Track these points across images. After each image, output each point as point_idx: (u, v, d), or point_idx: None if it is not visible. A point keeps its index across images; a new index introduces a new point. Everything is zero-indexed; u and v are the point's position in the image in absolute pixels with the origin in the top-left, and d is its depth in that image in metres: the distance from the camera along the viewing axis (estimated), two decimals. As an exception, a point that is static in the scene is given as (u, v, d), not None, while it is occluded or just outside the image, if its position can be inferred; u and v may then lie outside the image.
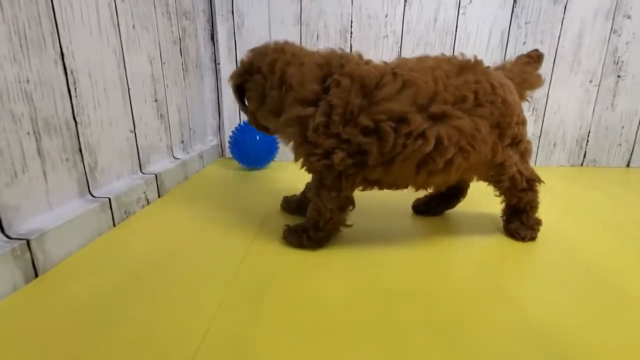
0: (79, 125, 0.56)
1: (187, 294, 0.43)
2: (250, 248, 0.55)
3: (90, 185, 0.59)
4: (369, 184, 0.55)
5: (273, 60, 0.53)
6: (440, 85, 0.49)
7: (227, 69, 1.07)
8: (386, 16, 1.02)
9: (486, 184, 0.60)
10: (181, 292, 0.43)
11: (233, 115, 1.12)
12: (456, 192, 0.68)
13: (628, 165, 1.13)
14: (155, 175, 0.76)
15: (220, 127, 1.15)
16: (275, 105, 0.53)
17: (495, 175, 0.57)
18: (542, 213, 0.62)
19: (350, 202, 0.54)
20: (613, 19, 1.01)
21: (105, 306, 0.40)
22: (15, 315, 0.38)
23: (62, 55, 0.52)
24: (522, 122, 0.57)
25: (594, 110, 1.09)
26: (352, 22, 1.02)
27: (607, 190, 0.90)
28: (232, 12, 1.02)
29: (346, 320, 0.39)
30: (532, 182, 0.59)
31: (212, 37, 1.07)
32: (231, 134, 1.01)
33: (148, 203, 0.72)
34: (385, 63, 0.53)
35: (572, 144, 1.12)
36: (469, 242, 0.60)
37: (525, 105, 1.07)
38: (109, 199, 0.60)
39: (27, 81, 0.47)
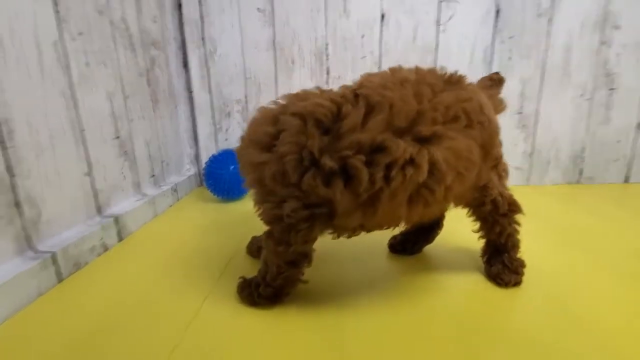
0: (16, 178, 0.52)
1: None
2: (201, 308, 0.50)
3: (33, 240, 0.55)
4: (350, 230, 0.48)
5: None
6: (426, 102, 0.42)
7: (201, 96, 1.04)
8: (362, 37, 0.98)
9: (464, 211, 0.55)
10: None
11: (209, 143, 1.08)
12: (433, 225, 0.63)
13: (627, 180, 1.06)
14: (116, 217, 0.71)
15: (197, 156, 1.11)
16: None
17: (479, 198, 0.52)
18: (531, 243, 0.58)
19: (304, 257, 0.47)
20: (601, 30, 0.96)
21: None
22: None
23: (-7, 105, 0.49)
24: (500, 144, 0.53)
25: (587, 126, 1.03)
26: (327, 44, 0.99)
27: (605, 213, 0.84)
28: (203, 39, 0.99)
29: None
30: (513, 206, 0.54)
31: (185, 65, 1.03)
32: (204, 165, 0.97)
33: (105, 250, 0.68)
34: (345, 86, 0.46)
35: (567, 162, 1.06)
36: (448, 286, 0.54)
37: (514, 122, 1.03)
38: (53, 253, 0.55)
39: (-55, 139, 0.43)
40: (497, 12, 0.96)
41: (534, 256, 0.58)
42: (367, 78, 0.47)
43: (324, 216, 0.43)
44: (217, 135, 1.08)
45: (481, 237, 0.57)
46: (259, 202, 0.47)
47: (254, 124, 0.47)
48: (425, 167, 0.40)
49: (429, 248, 0.65)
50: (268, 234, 0.47)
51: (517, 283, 0.53)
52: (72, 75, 0.63)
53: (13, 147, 0.52)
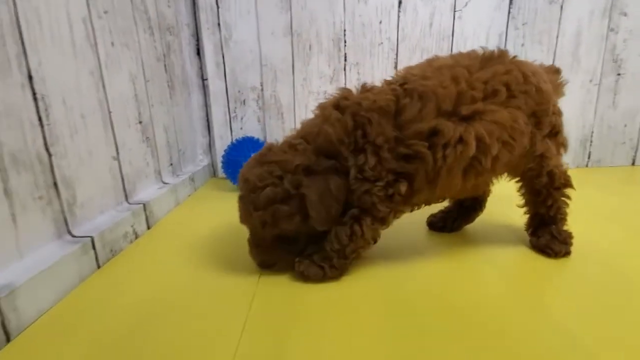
0: (53, 158, 0.49)
1: (192, 353, 0.36)
2: (257, 287, 0.49)
3: (69, 223, 0.52)
4: (417, 205, 0.53)
5: None
6: (463, 83, 0.47)
7: (216, 84, 1.02)
8: (380, 23, 0.98)
9: (504, 194, 0.56)
10: (184, 352, 0.36)
11: (224, 132, 1.06)
12: (474, 205, 0.63)
13: (633, 163, 1.10)
14: (144, 204, 0.68)
15: (211, 146, 1.08)
16: None
17: (535, 169, 0.53)
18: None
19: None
20: (609, 17, 0.99)
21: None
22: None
23: (31, 78, 0.46)
24: (559, 113, 0.54)
25: (595, 110, 1.06)
26: (345, 30, 0.98)
27: (620, 191, 0.86)
28: (219, 24, 0.97)
29: (382, 343, 0.33)
30: (567, 181, 0.55)
31: (198, 52, 1.01)
32: (223, 152, 0.95)
33: (137, 237, 0.65)
34: (388, 82, 0.50)
35: (576, 145, 1.09)
36: (492, 257, 0.55)
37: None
38: (92, 237, 0.53)
39: (-12, 111, 0.40)
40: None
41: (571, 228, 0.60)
42: (408, 71, 0.51)
43: (411, 194, 0.48)
44: (232, 123, 1.05)
45: (527, 212, 0.57)
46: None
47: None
48: (473, 143, 0.45)
49: (469, 227, 0.66)
50: (366, 214, 0.48)
51: (567, 253, 0.54)
52: (99, 55, 0.60)
53: (49, 124, 0.49)
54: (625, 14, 0.99)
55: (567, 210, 0.56)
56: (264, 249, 0.51)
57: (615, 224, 0.67)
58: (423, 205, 0.53)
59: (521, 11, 0.99)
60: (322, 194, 0.46)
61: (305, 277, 0.49)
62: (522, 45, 1.01)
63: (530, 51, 1.01)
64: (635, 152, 1.09)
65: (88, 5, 0.58)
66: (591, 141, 1.09)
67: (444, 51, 1.00)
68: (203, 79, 1.02)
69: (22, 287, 0.40)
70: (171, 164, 0.89)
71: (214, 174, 1.11)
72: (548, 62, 1.01)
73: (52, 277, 0.45)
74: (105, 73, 0.62)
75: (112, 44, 0.64)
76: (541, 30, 1.00)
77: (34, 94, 0.46)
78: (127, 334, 0.39)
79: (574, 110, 1.06)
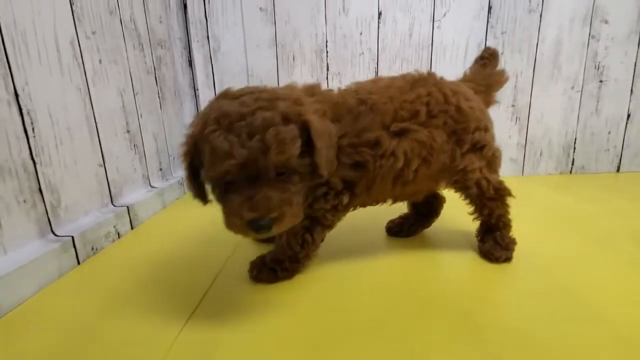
0: (38, 166, 0.56)
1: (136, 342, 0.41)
2: (211, 287, 0.53)
3: (52, 224, 0.59)
4: (353, 208, 0.56)
5: None
6: (396, 103, 0.51)
7: (206, 93, 1.08)
8: (361, 34, 1.02)
9: (460, 198, 0.59)
10: (132, 339, 0.42)
11: (214, 139, 1.12)
12: (430, 212, 0.67)
13: (618, 170, 1.10)
14: (127, 207, 0.75)
15: (202, 152, 1.14)
16: None
17: (460, 181, 0.56)
18: (523, 227, 0.61)
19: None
20: (590, 25, 1.00)
21: (59, 355, 0.39)
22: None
23: (17, 96, 0.52)
24: (484, 129, 0.55)
25: (578, 117, 1.07)
26: (327, 41, 1.03)
27: (596, 198, 0.87)
28: (208, 37, 1.03)
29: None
30: (500, 191, 0.57)
31: (190, 64, 1.07)
32: (210, 159, 1.01)
33: (119, 237, 0.71)
34: (340, 89, 0.54)
35: (559, 152, 1.09)
36: (440, 261, 0.58)
37: (507, 115, 1.06)
38: (72, 237, 0.59)
39: (-24, 127, 0.46)
40: (490, 8, 1.00)
41: (527, 234, 0.62)
42: (358, 85, 0.55)
43: (353, 198, 0.52)
44: (221, 130, 1.11)
45: (475, 218, 0.60)
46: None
47: None
48: (401, 156, 0.50)
49: (425, 231, 0.69)
50: (315, 223, 0.52)
51: (508, 259, 0.56)
52: (86, 72, 0.67)
53: (34, 137, 0.55)
54: (606, 22, 0.99)
55: (510, 217, 0.58)
56: (265, 188, 0.39)
57: (577, 232, 0.68)
58: (358, 207, 0.56)
59: (500, 20, 1.00)
60: (326, 130, 0.43)
61: (258, 280, 0.53)
62: (502, 53, 1.02)
63: (510, 59, 1.03)
64: (620, 159, 1.09)
65: (75, 27, 0.64)
66: (574, 148, 1.09)
67: (423, 60, 1.03)
68: (195, 88, 1.09)
69: (1, 279, 0.46)
70: (160, 169, 0.95)
71: (205, 178, 1.17)
72: (528, 70, 1.03)
73: (32, 271, 0.51)
74: (93, 89, 0.68)
75: (100, 61, 0.71)
76: (521, 39, 1.01)
77: (20, 109, 0.53)
78: (96, 321, 0.45)
79: (555, 117, 1.07)
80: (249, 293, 0.51)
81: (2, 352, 0.40)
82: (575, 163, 1.10)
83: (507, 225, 0.58)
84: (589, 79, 1.03)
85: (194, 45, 1.04)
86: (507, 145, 1.08)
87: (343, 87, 0.55)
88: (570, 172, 1.11)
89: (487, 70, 0.61)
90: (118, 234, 0.71)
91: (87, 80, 0.67)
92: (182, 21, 1.04)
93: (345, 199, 0.50)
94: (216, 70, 1.06)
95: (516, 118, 1.07)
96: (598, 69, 1.03)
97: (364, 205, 0.56)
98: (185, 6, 1.01)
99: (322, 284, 0.53)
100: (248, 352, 0.39)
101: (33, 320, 0.46)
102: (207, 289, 0.52)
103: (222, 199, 0.43)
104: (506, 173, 1.10)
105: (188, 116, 1.11)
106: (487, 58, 0.62)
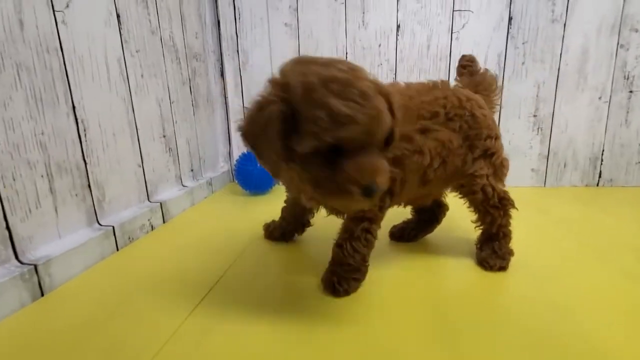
0: (88, 165, 0.66)
1: (155, 317, 0.49)
2: (224, 275, 0.61)
3: (98, 215, 0.69)
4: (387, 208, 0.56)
5: None
6: (417, 102, 0.53)
7: (235, 102, 1.17)
8: (379, 46, 1.06)
9: (464, 204, 0.61)
10: (153, 314, 0.50)
11: (241, 143, 1.21)
12: (431, 218, 0.70)
13: (651, 184, 1.05)
14: (161, 203, 0.85)
15: (230, 154, 1.24)
16: None
17: (467, 186, 0.58)
18: (529, 237, 0.62)
19: None
20: (619, 34, 0.97)
21: (97, 322, 0.48)
22: (20, 327, 0.47)
23: (74, 108, 0.63)
24: (495, 137, 0.58)
25: (606, 128, 1.03)
26: (347, 53, 1.08)
27: (618, 212, 0.85)
28: (237, 51, 1.13)
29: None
30: (504, 201, 0.58)
31: (222, 74, 1.17)
32: (236, 162, 1.10)
33: (152, 229, 0.81)
34: None
35: (585, 163, 1.06)
36: (434, 266, 0.61)
37: (529, 125, 1.05)
38: (113, 227, 0.69)
39: (42, 133, 0.57)
40: (510, 19, 1.00)
41: (528, 248, 0.63)
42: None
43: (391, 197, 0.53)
44: (248, 136, 1.20)
45: (477, 226, 0.62)
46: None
47: None
48: (428, 154, 0.52)
49: (428, 237, 0.72)
50: (371, 221, 0.52)
51: (502, 268, 0.58)
52: (130, 85, 0.78)
53: (86, 141, 0.66)
54: (636, 30, 0.96)
55: (510, 229, 0.60)
56: (374, 155, 0.40)
57: (579, 246, 0.68)
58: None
59: (521, 30, 1.00)
60: (400, 105, 0.45)
61: (346, 293, 0.52)
62: (523, 63, 1.02)
63: (532, 69, 1.02)
64: (652, 172, 1.04)
65: (122, 48, 0.75)
66: (602, 160, 1.06)
67: (441, 71, 1.06)
68: (225, 97, 1.19)
69: (56, 259, 0.57)
70: (192, 170, 1.05)
71: (232, 179, 1.26)
72: (551, 79, 1.02)
73: (80, 253, 0.61)
74: (135, 99, 0.79)
75: (142, 75, 0.82)
76: (543, 49, 1.01)
77: (76, 119, 0.64)
78: (126, 298, 0.54)
79: (581, 127, 1.04)
80: (261, 277, 0.58)
81: (56, 318, 0.49)
82: (602, 175, 1.06)
83: (506, 236, 0.60)
84: (618, 89, 1.00)
85: (225, 58, 1.14)
86: (528, 155, 1.07)
87: None
88: (597, 185, 1.07)
89: (473, 78, 0.62)
90: (152, 226, 0.81)
91: (130, 92, 0.78)
92: (215, 36, 1.14)
93: (388, 199, 0.52)
94: (245, 81, 1.15)
95: (538, 128, 1.06)
96: (627, 78, 0.99)
97: (391, 206, 0.55)
98: (218, 23, 1.12)
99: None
100: (243, 343, 0.45)
101: (80, 293, 0.55)
102: (220, 276, 0.59)
103: (323, 168, 0.40)
104: (527, 183, 1.09)
105: (219, 122, 1.21)
106: (468, 65, 0.64)
